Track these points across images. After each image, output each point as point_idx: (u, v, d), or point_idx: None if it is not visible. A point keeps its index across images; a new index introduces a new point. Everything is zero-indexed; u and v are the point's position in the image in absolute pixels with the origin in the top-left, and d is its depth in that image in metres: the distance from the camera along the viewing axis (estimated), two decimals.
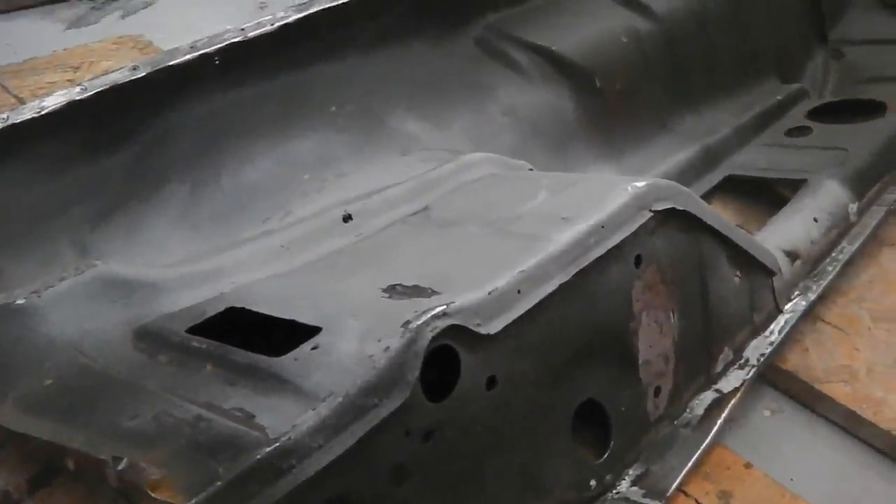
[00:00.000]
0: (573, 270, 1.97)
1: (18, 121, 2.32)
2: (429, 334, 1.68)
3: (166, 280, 2.12)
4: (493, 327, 1.80)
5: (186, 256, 2.29)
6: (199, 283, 2.13)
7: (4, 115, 2.35)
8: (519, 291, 1.86)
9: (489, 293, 1.81)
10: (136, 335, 1.99)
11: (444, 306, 1.73)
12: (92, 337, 2.01)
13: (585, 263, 2.00)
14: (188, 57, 2.49)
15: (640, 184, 2.19)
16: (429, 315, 1.70)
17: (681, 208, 2.24)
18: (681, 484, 2.26)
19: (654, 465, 2.25)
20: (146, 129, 2.46)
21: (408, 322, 1.68)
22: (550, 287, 1.92)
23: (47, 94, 2.41)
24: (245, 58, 2.58)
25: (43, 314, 2.04)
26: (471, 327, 1.76)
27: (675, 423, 2.36)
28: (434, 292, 1.83)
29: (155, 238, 2.35)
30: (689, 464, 2.28)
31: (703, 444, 2.33)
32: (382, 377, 1.62)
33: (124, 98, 2.41)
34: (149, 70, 2.44)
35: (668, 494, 2.20)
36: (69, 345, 1.99)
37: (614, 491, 2.18)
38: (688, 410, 2.40)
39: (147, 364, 1.89)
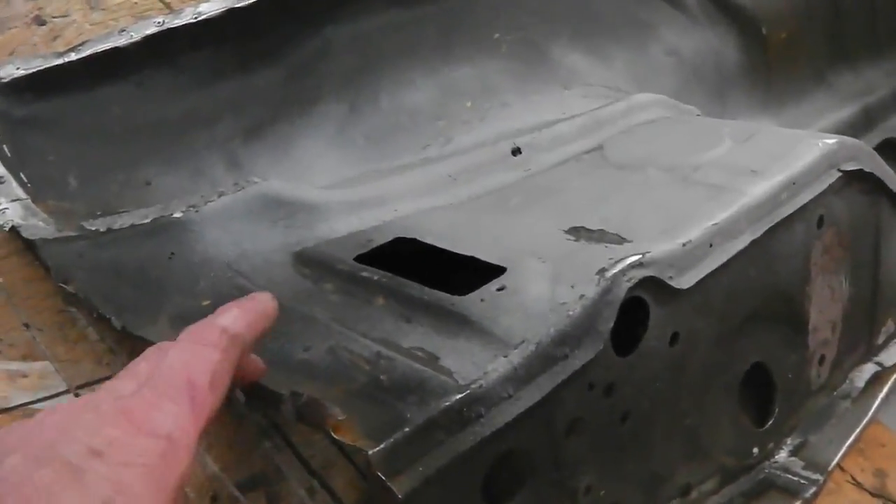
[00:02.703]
0: (764, 227, 1.87)
1: (174, 25, 2.25)
2: (625, 284, 1.58)
3: (328, 202, 2.03)
4: (686, 282, 1.70)
5: (343, 178, 2.20)
6: (362, 207, 2.03)
7: (160, 19, 2.27)
8: (711, 245, 1.76)
9: (683, 245, 1.71)
10: (298, 259, 1.91)
11: (641, 255, 1.63)
12: (250, 258, 1.92)
13: (775, 221, 1.89)
14: None
15: (831, 141, 2.07)
16: (625, 263, 1.60)
17: (868, 170, 2.13)
18: (840, 459, 2.16)
19: (813, 436, 2.16)
20: (303, 42, 2.37)
21: (603, 269, 1.58)
22: (741, 243, 1.82)
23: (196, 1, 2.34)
24: None
25: (200, 230, 1.96)
26: (665, 280, 1.66)
27: (835, 394, 2.26)
28: (623, 239, 1.73)
29: (310, 157, 2.27)
30: (850, 439, 2.18)
31: (865, 419, 2.23)
32: (576, 326, 1.52)
33: (283, 9, 2.32)
34: None
35: (830, 469, 2.10)
36: (226, 265, 1.91)
37: (773, 460, 2.09)
38: (847, 382, 2.30)
39: (312, 291, 1.80)
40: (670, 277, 1.67)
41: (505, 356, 1.47)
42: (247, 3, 2.29)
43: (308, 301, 1.76)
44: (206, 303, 1.80)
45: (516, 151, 2.21)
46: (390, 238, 1.90)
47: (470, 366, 1.47)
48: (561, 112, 2.41)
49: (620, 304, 1.58)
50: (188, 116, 2.26)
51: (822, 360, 2.18)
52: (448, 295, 1.62)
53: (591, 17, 2.89)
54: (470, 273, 1.69)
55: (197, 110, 2.27)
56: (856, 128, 3.35)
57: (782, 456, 2.11)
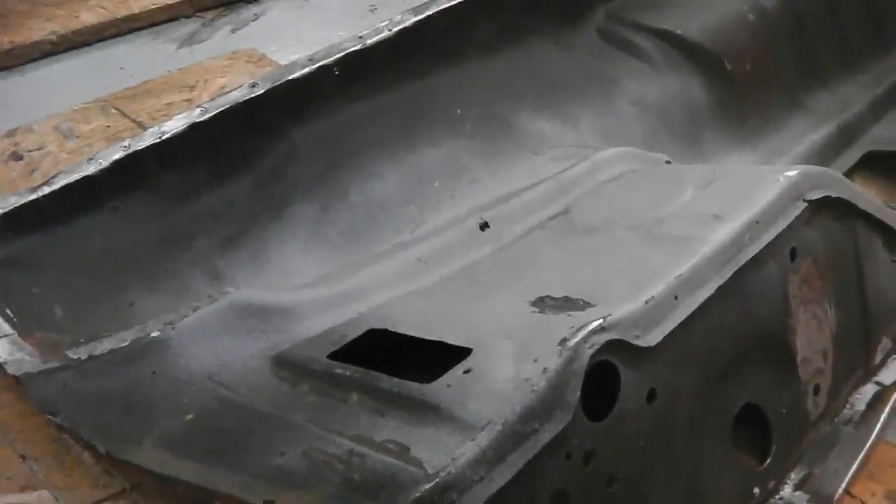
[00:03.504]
0: (730, 271, 1.87)
1: (141, 147, 2.29)
2: (588, 351, 1.59)
3: (301, 303, 2.06)
4: (653, 338, 1.70)
5: (319, 277, 2.22)
6: (335, 304, 2.06)
7: (126, 143, 2.31)
8: (676, 298, 1.76)
9: (646, 302, 1.72)
10: (275, 364, 1.93)
11: (602, 320, 1.63)
12: (230, 367, 1.95)
13: (742, 263, 1.90)
14: (307, 70, 2.43)
15: (792, 173, 2.08)
16: (586, 330, 1.61)
17: (835, 195, 2.13)
18: (847, 486, 2.15)
19: (817, 468, 2.14)
20: (269, 148, 2.41)
21: (565, 339, 1.59)
22: (708, 291, 1.82)
23: (166, 117, 2.38)
24: (365, 67, 2.52)
25: (178, 346, 1.99)
26: (630, 340, 1.66)
27: (836, 420, 2.25)
28: (587, 304, 1.74)
29: (286, 260, 2.30)
30: (855, 465, 2.17)
31: (868, 442, 2.21)
32: (542, 401, 1.53)
33: (245, 117, 2.36)
34: (268, 86, 2.39)
35: (836, 498, 2.09)
36: (207, 377, 1.93)
37: (777, 496, 2.08)
38: (848, 406, 2.28)
39: (289, 394, 1.83)
40: (636, 336, 1.67)
41: (472, 440, 1.48)
42: (208, 116, 2.32)
43: (286, 405, 1.78)
44: (189, 417, 1.83)
45: (484, 226, 2.23)
46: (363, 331, 1.92)
47: (439, 454, 1.48)
48: (530, 179, 2.43)
49: (587, 371, 1.59)
50: (166, 235, 2.30)
51: (817, 389, 2.16)
52: (417, 384, 1.64)
53: (553, 81, 2.91)
54: (440, 356, 1.70)
55: (174, 228, 2.31)
56: (836, 146, 3.34)
57: (787, 492, 2.09)
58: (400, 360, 1.76)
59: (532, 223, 2.25)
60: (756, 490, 2.02)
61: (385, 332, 1.89)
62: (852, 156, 3.34)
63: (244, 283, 2.17)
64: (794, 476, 2.12)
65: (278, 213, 2.36)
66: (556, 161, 2.56)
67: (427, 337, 1.79)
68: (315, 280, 2.21)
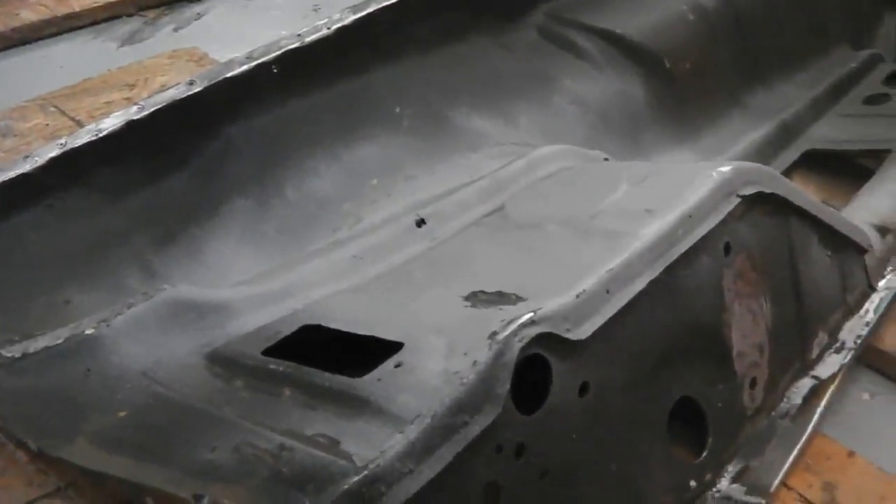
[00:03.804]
0: (662, 266, 1.88)
1: (77, 145, 2.27)
2: (517, 344, 1.59)
3: (237, 300, 2.06)
4: (584, 332, 1.71)
5: (256, 274, 2.22)
6: (270, 301, 2.06)
7: (62, 141, 2.29)
8: (608, 292, 1.77)
9: (577, 296, 1.72)
10: (210, 360, 1.93)
11: (532, 313, 1.64)
12: (165, 364, 1.94)
13: (674, 257, 1.91)
14: (245, 67, 2.42)
15: (725, 168, 2.09)
16: (516, 324, 1.61)
17: (768, 191, 2.14)
18: (783, 478, 2.17)
19: (754, 460, 2.16)
20: (206, 145, 2.40)
21: (494, 333, 1.59)
22: (640, 285, 1.83)
23: (104, 115, 2.36)
24: (303, 64, 2.51)
25: (112, 343, 1.98)
26: (561, 334, 1.67)
27: (773, 414, 2.27)
28: (519, 298, 1.74)
29: (222, 257, 2.29)
30: (791, 457, 2.19)
31: (804, 435, 2.23)
32: (471, 394, 1.54)
33: (183, 114, 2.35)
34: (206, 84, 2.38)
35: (772, 491, 2.10)
36: (142, 374, 1.93)
37: (714, 489, 2.09)
38: (785, 400, 2.30)
39: (223, 390, 1.82)
40: (567, 330, 1.68)
41: (401, 433, 1.49)
42: (145, 113, 2.31)
43: (219, 400, 1.78)
44: (122, 414, 1.82)
45: (420, 223, 2.24)
46: (297, 328, 1.91)
47: (369, 447, 1.48)
48: (468, 176, 2.43)
49: (517, 365, 1.59)
50: (102, 232, 2.28)
51: (753, 383, 2.18)
52: (348, 379, 1.64)
53: (492, 79, 2.91)
54: (373, 351, 1.70)
55: (110, 225, 2.29)
56: (775, 144, 3.37)
57: (724, 484, 2.10)
58: (334, 357, 1.76)
59: (467, 220, 2.26)
60: (692, 483, 2.03)
61: (319, 329, 1.89)
62: (791, 154, 3.37)
63: (180, 280, 2.16)
64: (732, 469, 2.13)
65: (215, 210, 2.35)
66: (494, 159, 2.56)
67: (360, 332, 1.79)
68: (251, 277, 2.20)
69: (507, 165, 2.46)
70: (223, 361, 1.90)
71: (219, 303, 2.05)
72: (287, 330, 1.92)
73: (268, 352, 1.85)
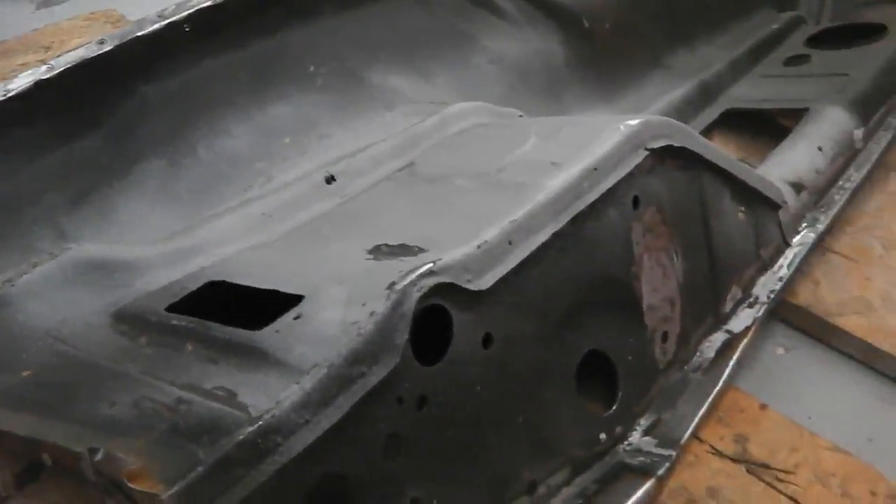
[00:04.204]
0: (566, 217, 1.88)
1: None
2: (416, 294, 1.60)
3: (144, 258, 2.04)
4: (485, 282, 1.71)
5: (170, 232, 2.20)
6: (178, 259, 2.05)
7: None
8: (510, 243, 1.77)
9: (478, 247, 1.73)
10: (115, 318, 1.91)
11: (431, 264, 1.64)
12: (70, 323, 1.93)
13: (579, 209, 1.91)
14: (156, 26, 2.40)
15: (633, 122, 2.09)
16: (415, 274, 1.61)
17: (678, 145, 2.15)
18: (694, 430, 2.19)
19: (666, 413, 2.18)
20: (118, 105, 2.37)
21: (393, 283, 1.59)
22: (543, 236, 1.83)
23: (16, 76, 2.33)
24: (216, 23, 2.48)
25: (18, 303, 1.96)
26: (461, 284, 1.67)
27: (686, 368, 2.29)
28: (421, 250, 1.74)
29: (134, 217, 2.27)
30: (702, 409, 2.21)
31: (716, 388, 2.26)
32: (369, 344, 1.54)
33: (93, 74, 2.32)
34: (116, 43, 2.35)
35: (682, 442, 2.12)
36: (47, 333, 1.91)
37: (626, 443, 2.11)
38: (698, 354, 2.33)
39: (128, 348, 1.81)
40: (468, 280, 1.68)
41: (297, 383, 1.48)
42: (55, 73, 2.28)
43: (123, 358, 1.76)
44: (26, 373, 1.81)
45: (330, 179, 2.23)
46: (202, 283, 1.90)
47: (265, 398, 1.48)
48: (382, 134, 2.42)
49: (416, 314, 1.59)
50: (12, 193, 2.25)
51: (665, 336, 2.19)
52: (248, 331, 1.63)
53: (408, 37, 2.90)
54: (276, 305, 1.70)
55: (20, 186, 2.26)
56: (695, 103, 3.39)
57: (635, 437, 2.12)
58: (240, 312, 1.75)
59: (378, 176, 2.25)
60: (602, 436, 2.05)
61: (224, 285, 1.88)
62: (711, 113, 3.39)
63: (91, 241, 2.14)
64: (644, 422, 2.15)
65: (127, 170, 2.33)
66: (409, 116, 2.56)
67: (264, 287, 1.78)
68: (161, 236, 2.18)
69: (421, 122, 2.45)
70: (128, 319, 1.89)
71: (126, 261, 2.04)
72: (192, 286, 1.91)
73: (172, 308, 1.84)
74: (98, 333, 1.88)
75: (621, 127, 2.07)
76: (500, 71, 3.03)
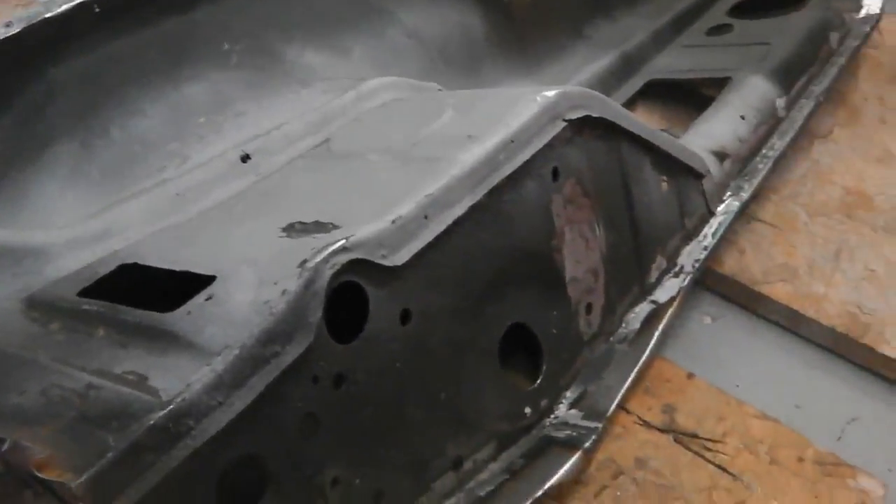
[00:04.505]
0: (483, 191, 1.86)
1: None
2: (328, 272, 1.57)
3: (55, 243, 2.00)
4: (401, 258, 1.69)
5: (83, 215, 2.15)
6: (90, 243, 2.01)
7: None
8: (426, 217, 1.75)
9: (393, 222, 1.70)
10: (26, 304, 1.87)
11: (344, 240, 1.61)
12: None
13: (496, 182, 1.89)
14: (65, 7, 2.33)
15: (550, 93, 2.07)
16: (328, 251, 1.59)
17: (596, 115, 2.13)
18: (621, 402, 2.18)
19: (592, 386, 2.17)
20: (26, 88, 2.30)
21: (305, 261, 1.56)
22: (460, 210, 1.81)
23: None
24: (127, 3, 2.42)
25: None
26: (376, 260, 1.65)
27: (612, 339, 2.28)
28: (335, 227, 1.71)
29: (46, 201, 2.21)
30: (629, 380, 2.21)
31: (642, 359, 2.25)
32: (281, 323, 1.51)
33: (1, 57, 2.26)
34: (24, 25, 2.28)
35: (608, 414, 2.12)
36: None
37: (552, 416, 2.09)
38: (623, 325, 2.32)
39: (38, 334, 1.77)
40: (383, 256, 1.66)
41: (208, 365, 1.45)
42: None
43: (33, 345, 1.73)
44: None
45: (245, 158, 2.20)
46: (115, 267, 1.86)
47: (175, 381, 1.45)
48: (299, 112, 2.38)
49: (330, 292, 1.57)
50: None
51: (589, 308, 2.18)
52: (158, 314, 1.60)
53: (324, 13, 2.84)
54: (188, 287, 1.66)
55: None
56: (617, 74, 3.38)
57: (561, 411, 2.11)
58: (154, 295, 1.71)
59: (293, 154, 2.22)
60: (528, 410, 2.03)
61: (136, 267, 1.84)
62: (634, 84, 3.38)
63: (0, 226, 2.09)
64: (570, 395, 2.14)
65: (38, 153, 2.27)
66: (326, 93, 2.52)
67: (177, 268, 1.75)
68: (74, 220, 2.14)
69: (337, 98, 2.42)
70: (39, 305, 1.85)
71: (35, 247, 1.99)
72: (104, 270, 1.87)
73: (84, 293, 1.80)
74: (9, 321, 1.84)
75: (538, 98, 2.04)
76: (418, 45, 2.99)
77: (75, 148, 2.27)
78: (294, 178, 2.09)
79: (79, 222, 2.08)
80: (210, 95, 2.44)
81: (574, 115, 2.08)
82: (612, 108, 2.20)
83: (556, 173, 2.04)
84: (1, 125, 2.28)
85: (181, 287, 1.67)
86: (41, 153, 2.26)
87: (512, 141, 1.94)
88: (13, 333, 1.80)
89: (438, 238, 1.76)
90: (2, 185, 2.23)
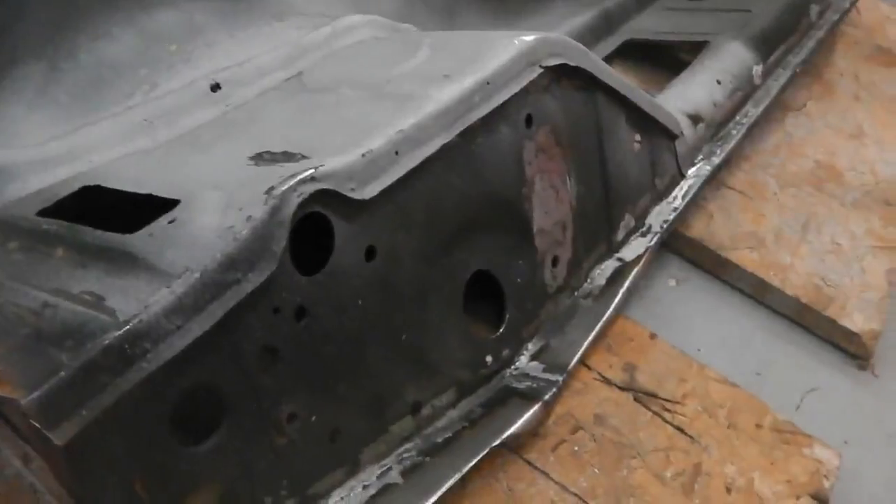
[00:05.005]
0: (456, 131, 1.83)
1: None
2: (295, 200, 1.53)
3: (17, 163, 1.94)
4: (369, 192, 1.66)
5: (49, 138, 2.10)
6: (53, 164, 1.95)
7: None
8: (397, 153, 1.72)
9: (363, 155, 1.66)
10: None
11: (313, 170, 1.58)
12: None
13: (469, 123, 1.85)
14: None
15: (529, 38, 2.03)
16: (295, 179, 1.55)
17: (573, 64, 2.10)
18: (582, 357, 2.17)
19: (554, 339, 2.15)
20: None
21: (272, 188, 1.53)
22: (431, 148, 1.78)
23: None
24: None
25: None
26: (344, 192, 1.61)
27: (576, 294, 2.26)
28: (304, 157, 1.67)
29: (11, 123, 2.16)
30: (591, 336, 2.19)
31: (605, 315, 2.23)
32: (245, 249, 1.48)
33: None
34: None
35: (570, 368, 2.10)
36: None
37: (513, 367, 2.08)
38: (588, 281, 2.30)
39: None
40: (351, 189, 1.63)
41: (168, 287, 1.42)
42: None
43: None
44: None
45: (215, 87, 2.15)
46: (77, 188, 1.82)
47: (133, 302, 1.42)
48: (270, 45, 2.34)
49: (295, 221, 1.54)
50: None
51: (555, 261, 2.16)
52: (119, 235, 1.56)
53: None
54: (151, 211, 1.63)
55: None
56: (596, 32, 3.35)
57: (522, 362, 2.09)
58: (114, 219, 1.67)
59: (265, 85, 2.18)
60: (489, 359, 2.02)
61: (99, 190, 1.80)
62: (612, 42, 3.36)
63: None
64: (531, 347, 2.13)
65: (3, 72, 2.21)
66: (300, 28, 2.46)
67: (140, 192, 1.71)
68: (38, 141, 2.09)
69: (311, 33, 2.37)
70: None
71: None
72: (66, 192, 1.83)
73: (45, 213, 1.76)
74: None
75: (516, 42, 2.01)
76: None
77: (43, 69, 2.22)
78: (264, 109, 2.05)
79: (42, 144, 2.02)
80: (182, 23, 2.38)
81: (551, 62, 2.05)
82: (590, 59, 2.18)
83: (529, 120, 2.01)
84: None
85: (144, 211, 1.63)
86: (8, 73, 2.21)
87: (488, 83, 1.90)
88: None
89: (408, 175, 1.73)
90: None
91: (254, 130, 1.94)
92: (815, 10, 3.33)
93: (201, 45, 2.33)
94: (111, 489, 1.40)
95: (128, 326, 1.37)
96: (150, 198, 1.67)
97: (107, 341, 1.36)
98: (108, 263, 1.53)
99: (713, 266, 2.61)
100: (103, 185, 1.81)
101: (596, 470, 2.02)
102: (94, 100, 2.18)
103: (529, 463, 2.01)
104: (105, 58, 2.25)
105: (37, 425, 1.29)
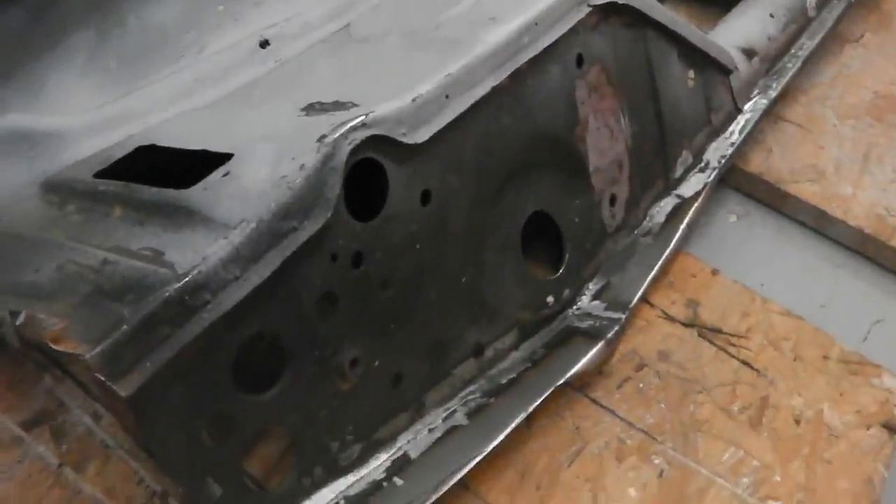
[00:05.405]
0: (505, 73, 1.82)
1: None
2: (347, 147, 1.54)
3: (72, 128, 1.97)
4: (421, 136, 1.66)
5: (101, 104, 2.12)
6: (107, 128, 1.97)
7: None
8: (447, 97, 1.71)
9: (413, 100, 1.67)
10: (44, 188, 1.84)
11: (363, 116, 1.58)
12: None
13: (519, 65, 1.84)
14: None
15: None
16: (346, 127, 1.55)
17: (622, 2, 2.08)
18: (644, 294, 2.17)
19: (615, 277, 2.15)
20: None
21: (323, 136, 1.53)
22: (481, 91, 1.77)
23: None
24: None
25: None
26: (395, 137, 1.61)
27: (635, 232, 2.26)
28: (354, 106, 1.67)
29: (63, 91, 2.17)
30: (652, 273, 2.18)
31: (666, 252, 2.22)
32: (299, 198, 1.49)
33: None
34: None
35: (631, 306, 2.09)
36: None
37: (574, 307, 2.08)
38: (648, 219, 2.30)
39: (55, 216, 1.74)
40: (403, 134, 1.63)
41: (225, 238, 1.43)
42: None
43: (50, 226, 1.71)
44: None
45: (264, 44, 2.15)
46: (131, 149, 1.84)
47: (191, 255, 1.43)
48: (317, 1, 2.34)
49: (349, 168, 1.54)
50: None
51: (613, 200, 2.15)
52: (174, 191, 1.57)
53: None
54: (205, 166, 1.64)
55: None
56: None
57: (584, 301, 2.09)
58: (169, 176, 1.69)
59: (313, 39, 2.17)
60: (550, 299, 2.02)
61: (153, 149, 1.81)
62: None
63: (18, 112, 2.06)
64: (592, 286, 2.13)
65: (53, 42, 2.23)
66: None
67: (193, 148, 1.72)
68: (90, 107, 2.11)
69: None
70: (56, 188, 1.82)
71: (52, 131, 1.96)
72: (121, 153, 1.84)
73: (100, 174, 1.78)
74: (26, 205, 1.82)
75: None
76: None
77: (91, 36, 2.23)
78: (313, 62, 2.05)
79: (95, 108, 2.04)
80: None
81: (600, 1, 2.03)
82: None
83: (580, 60, 2.00)
84: (17, 13, 2.24)
85: (198, 166, 1.64)
86: (57, 41, 2.22)
87: (536, 23, 1.89)
88: (30, 216, 1.78)
89: (459, 119, 1.73)
90: (19, 73, 2.20)
91: (304, 84, 1.95)
92: None
93: (249, 4, 2.33)
94: (179, 439, 1.42)
95: (187, 278, 1.39)
96: (203, 153, 1.68)
97: (167, 293, 1.37)
98: (165, 219, 1.55)
99: (773, 200, 2.59)
100: (157, 144, 1.82)
101: (662, 406, 2.02)
102: (143, 65, 2.19)
103: (595, 401, 2.01)
104: (153, 23, 2.26)
105: (102, 378, 1.31)
